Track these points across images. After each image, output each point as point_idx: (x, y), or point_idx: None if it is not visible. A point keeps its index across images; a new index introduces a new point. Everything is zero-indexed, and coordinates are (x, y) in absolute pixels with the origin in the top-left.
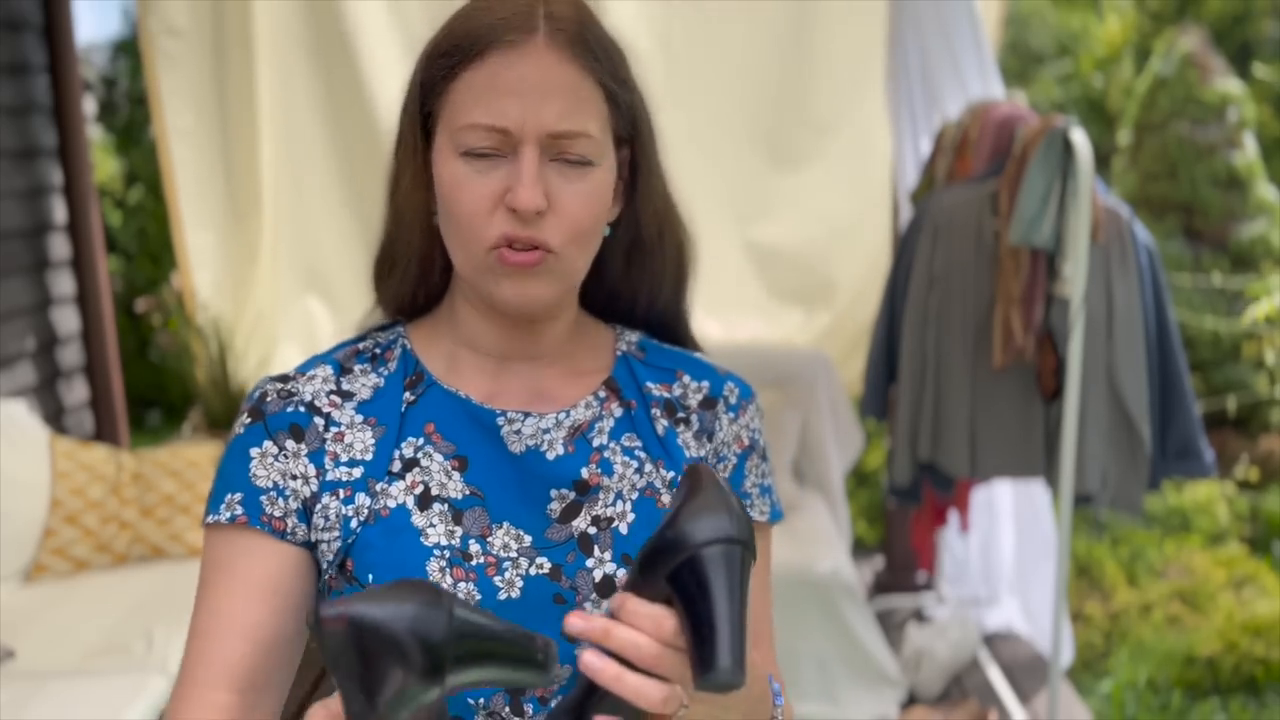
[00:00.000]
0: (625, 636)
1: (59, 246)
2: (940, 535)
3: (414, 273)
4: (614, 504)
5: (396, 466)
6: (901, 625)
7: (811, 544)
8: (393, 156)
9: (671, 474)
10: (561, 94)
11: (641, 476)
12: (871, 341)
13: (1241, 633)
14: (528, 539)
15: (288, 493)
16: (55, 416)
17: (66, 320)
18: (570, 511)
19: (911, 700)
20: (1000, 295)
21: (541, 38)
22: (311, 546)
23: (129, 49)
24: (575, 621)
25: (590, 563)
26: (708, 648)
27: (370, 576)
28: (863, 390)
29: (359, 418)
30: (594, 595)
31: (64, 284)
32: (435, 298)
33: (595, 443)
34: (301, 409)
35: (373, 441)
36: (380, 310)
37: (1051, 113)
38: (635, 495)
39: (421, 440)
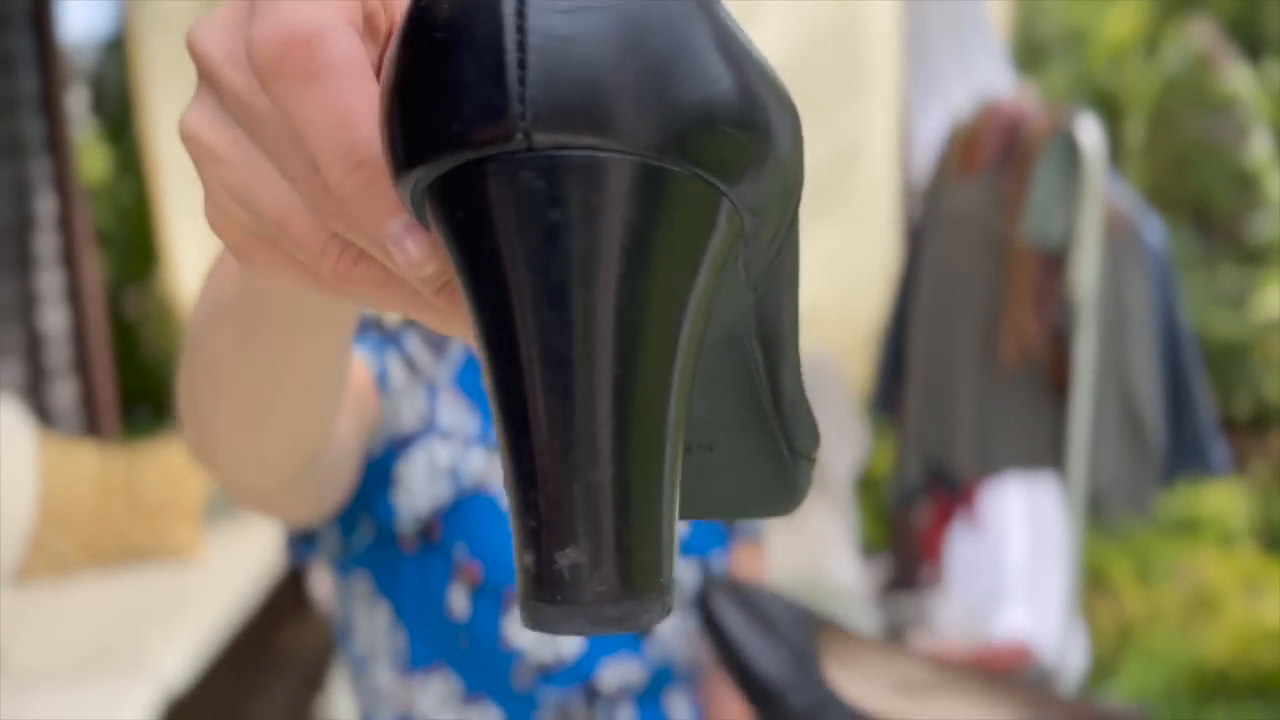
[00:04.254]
0: None
1: (47, 242)
2: (948, 537)
3: None
4: None
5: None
6: (908, 627)
7: (817, 546)
8: None
9: None
10: None
11: None
12: (880, 339)
13: (1254, 638)
14: None
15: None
16: (44, 414)
17: (55, 317)
18: None
19: None
20: (1011, 293)
21: None
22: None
23: (119, 43)
24: None
25: None
26: None
27: (462, 546)
28: (873, 388)
29: (452, 388)
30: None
31: (52, 280)
32: None
33: None
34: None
35: (469, 414)
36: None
37: (1061, 105)
38: None
39: None
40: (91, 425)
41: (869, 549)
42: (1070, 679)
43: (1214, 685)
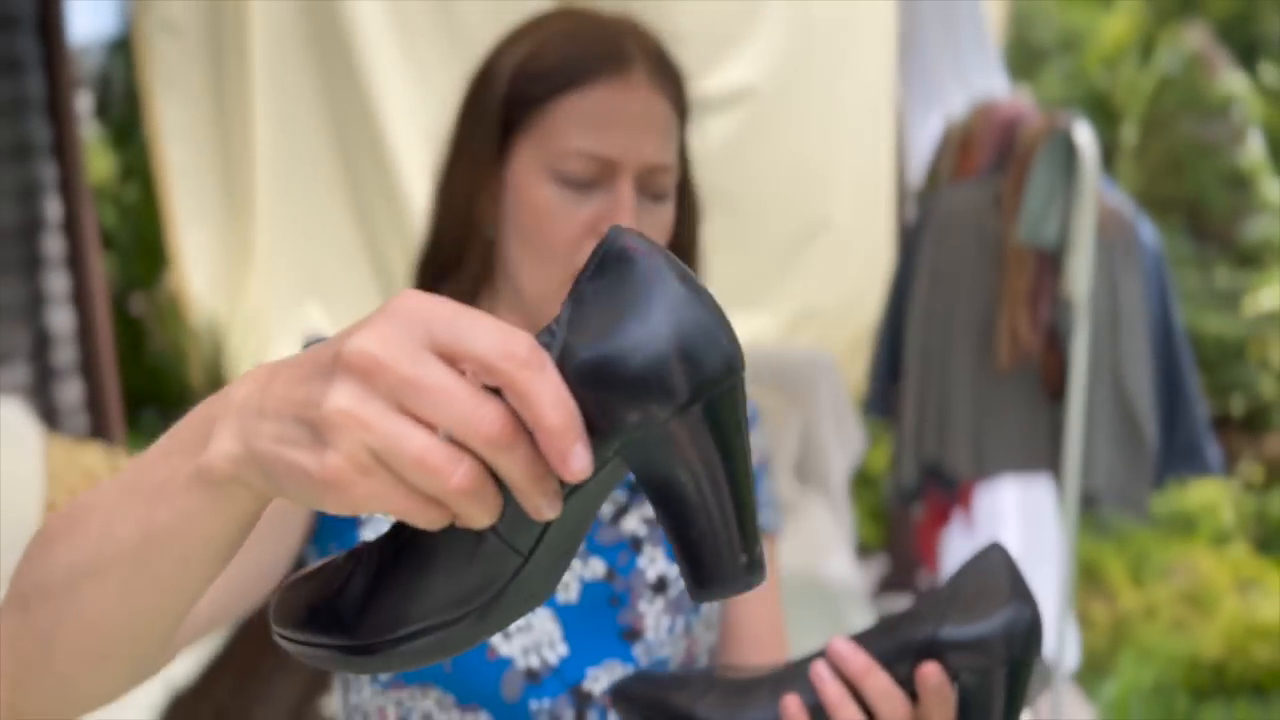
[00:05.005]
0: (882, 686)
1: (53, 244)
2: (944, 536)
3: (467, 284)
4: None
5: None
6: None
7: (814, 546)
8: (451, 165)
9: None
10: (658, 127)
11: None
12: (876, 340)
13: (1247, 636)
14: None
15: None
16: (50, 416)
17: (61, 319)
18: (620, 513)
19: None
20: (1006, 295)
21: (639, 69)
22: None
23: (125, 46)
24: (842, 647)
25: (642, 562)
26: None
27: None
28: (867, 389)
29: None
30: (647, 594)
31: (59, 282)
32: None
33: None
34: None
35: None
36: None
37: (1056, 109)
38: None
39: None
40: (97, 426)
41: (865, 548)
42: (1065, 676)
43: (1208, 682)
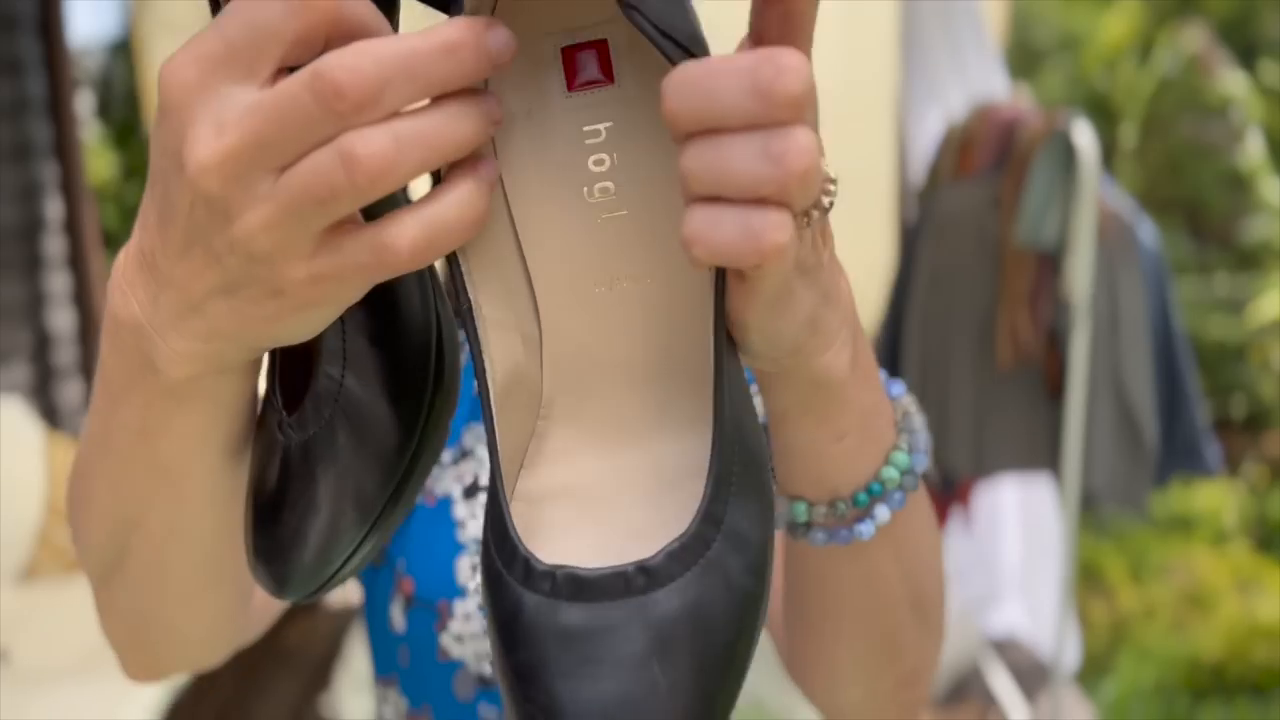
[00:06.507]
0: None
1: (54, 244)
2: (943, 535)
3: None
4: None
5: (450, 458)
6: None
7: None
8: None
9: None
10: None
11: None
12: (876, 340)
13: (1248, 636)
14: None
15: None
16: (50, 416)
17: (62, 319)
18: None
19: None
20: (1006, 296)
21: None
22: None
23: (125, 47)
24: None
25: None
26: None
27: (402, 561)
28: None
29: None
30: None
31: (59, 282)
32: None
33: None
34: None
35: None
36: None
37: (1055, 109)
38: None
39: (481, 429)
40: None
41: None
42: (1064, 676)
43: (1207, 682)
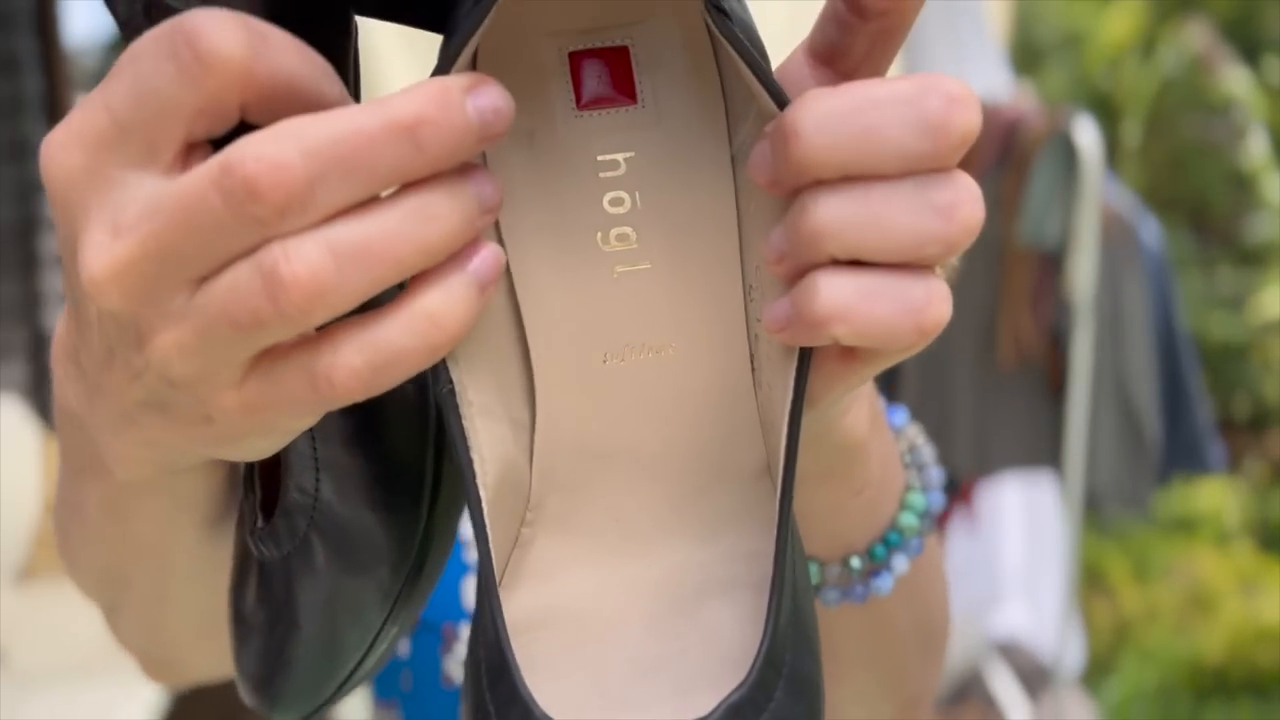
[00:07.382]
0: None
1: (51, 243)
2: (945, 536)
3: None
4: None
5: None
6: None
7: None
8: None
9: None
10: None
11: None
12: None
13: (1250, 637)
14: None
15: None
16: (48, 414)
17: (59, 318)
18: None
19: None
20: (1008, 295)
21: None
22: None
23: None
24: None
25: None
26: None
27: None
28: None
29: None
30: None
31: (57, 282)
32: None
33: None
34: None
35: None
36: None
37: (1058, 107)
38: None
39: None
40: None
41: None
42: (1067, 678)
43: (1210, 683)
